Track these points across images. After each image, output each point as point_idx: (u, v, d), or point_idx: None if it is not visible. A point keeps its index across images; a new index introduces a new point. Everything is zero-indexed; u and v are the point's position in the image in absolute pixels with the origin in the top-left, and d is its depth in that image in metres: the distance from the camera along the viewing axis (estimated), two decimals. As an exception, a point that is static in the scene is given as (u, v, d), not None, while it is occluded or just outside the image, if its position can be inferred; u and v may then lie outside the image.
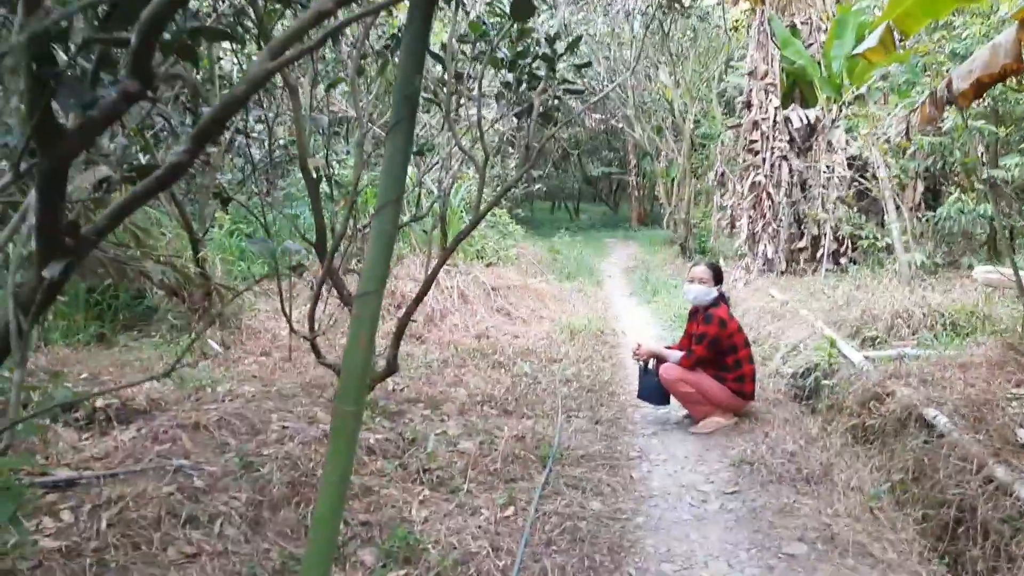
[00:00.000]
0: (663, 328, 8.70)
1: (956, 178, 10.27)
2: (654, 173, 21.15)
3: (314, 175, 4.77)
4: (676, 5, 15.58)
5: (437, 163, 6.48)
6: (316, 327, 5.46)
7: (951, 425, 4.34)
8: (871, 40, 5.83)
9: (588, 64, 5.40)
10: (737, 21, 11.89)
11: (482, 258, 10.33)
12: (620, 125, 19.51)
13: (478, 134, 4.79)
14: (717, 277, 5.65)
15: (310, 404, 4.91)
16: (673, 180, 17.90)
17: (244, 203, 5.58)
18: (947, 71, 7.91)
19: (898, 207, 8.53)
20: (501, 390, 5.89)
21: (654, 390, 5.50)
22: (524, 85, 4.97)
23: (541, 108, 4.79)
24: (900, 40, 7.64)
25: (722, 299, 5.62)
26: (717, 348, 5.37)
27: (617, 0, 16.75)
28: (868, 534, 3.30)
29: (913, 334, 6.84)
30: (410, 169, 6.70)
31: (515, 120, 5.19)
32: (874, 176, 9.08)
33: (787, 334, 7.91)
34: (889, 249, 10.27)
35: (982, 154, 9.61)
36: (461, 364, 6.81)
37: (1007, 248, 5.61)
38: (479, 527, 3.50)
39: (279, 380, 5.50)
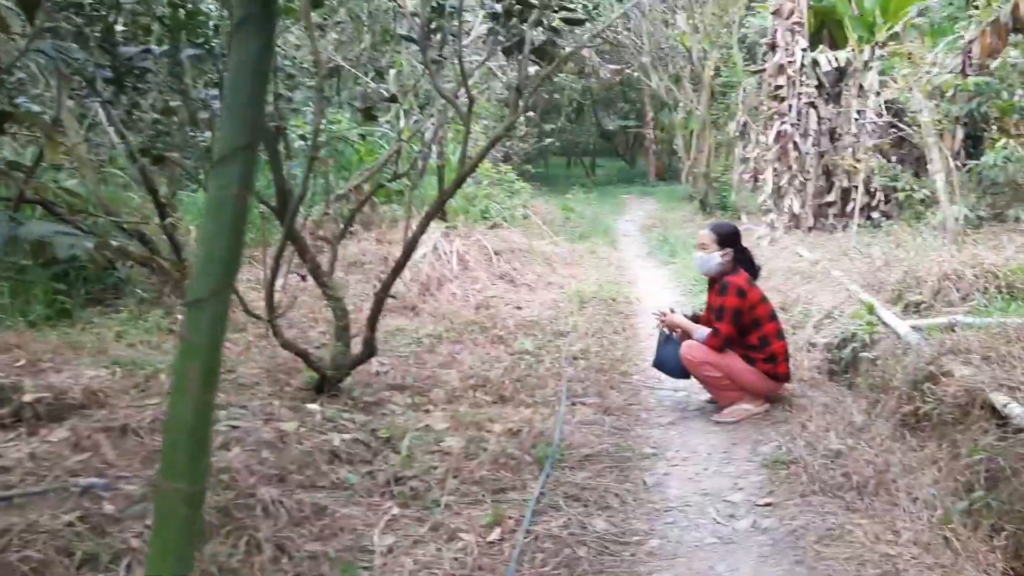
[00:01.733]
0: (682, 293, 7.96)
1: (1001, 123, 9.35)
2: (672, 125, 20.19)
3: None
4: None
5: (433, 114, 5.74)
6: (277, 305, 4.80)
7: (1028, 415, 3.61)
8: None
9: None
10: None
11: (487, 219, 9.60)
12: (636, 74, 18.53)
13: (460, 76, 4.04)
14: (725, 240, 4.79)
15: (270, 396, 4.26)
16: (692, 132, 16.99)
17: (180, 160, 4.86)
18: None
19: (945, 156, 7.68)
20: (498, 371, 5.22)
21: (675, 362, 4.82)
22: (515, 18, 4.21)
23: (534, 42, 4.03)
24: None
25: (743, 264, 4.83)
26: (738, 323, 4.64)
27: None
28: (943, 570, 2.60)
29: (964, 299, 6.07)
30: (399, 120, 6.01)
31: (506, 59, 4.42)
32: (914, 122, 8.21)
33: (819, 298, 7.15)
34: (927, 202, 9.42)
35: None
36: (456, 340, 6.13)
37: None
38: (455, 559, 2.83)
39: (243, 365, 4.84)
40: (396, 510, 3.18)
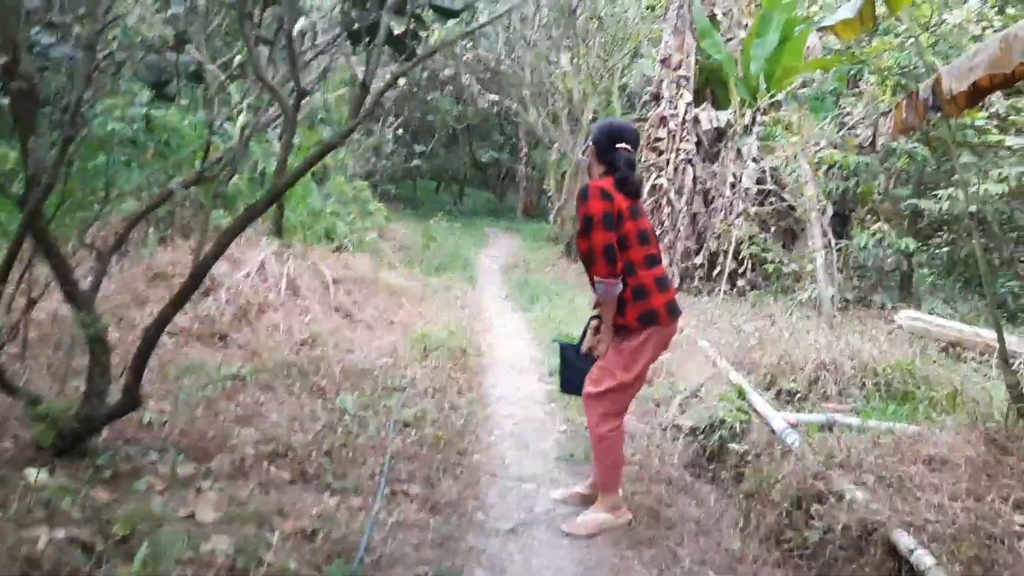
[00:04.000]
0: (537, 347, 7.16)
1: (871, 205, 9.21)
2: (545, 164, 19.71)
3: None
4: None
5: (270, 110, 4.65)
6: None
7: (941, 571, 2.96)
8: (847, 10, 4.45)
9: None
10: (651, 1, 10.56)
11: (331, 239, 8.50)
12: (515, 106, 17.92)
13: (288, 60, 3.05)
14: (597, 137, 3.75)
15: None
16: (564, 174, 16.49)
17: None
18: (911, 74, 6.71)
19: (825, 232, 7.30)
20: (307, 437, 4.17)
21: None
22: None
23: (391, 30, 3.10)
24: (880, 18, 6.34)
25: (618, 169, 3.62)
26: (616, 228, 3.51)
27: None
28: None
29: (840, 393, 5.58)
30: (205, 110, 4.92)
31: (351, 46, 3.45)
32: (798, 193, 7.85)
33: (685, 371, 6.52)
34: (797, 277, 9.13)
35: (893, 182, 8.55)
36: (266, 385, 5.03)
37: (990, 297, 4.34)
38: None
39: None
40: None
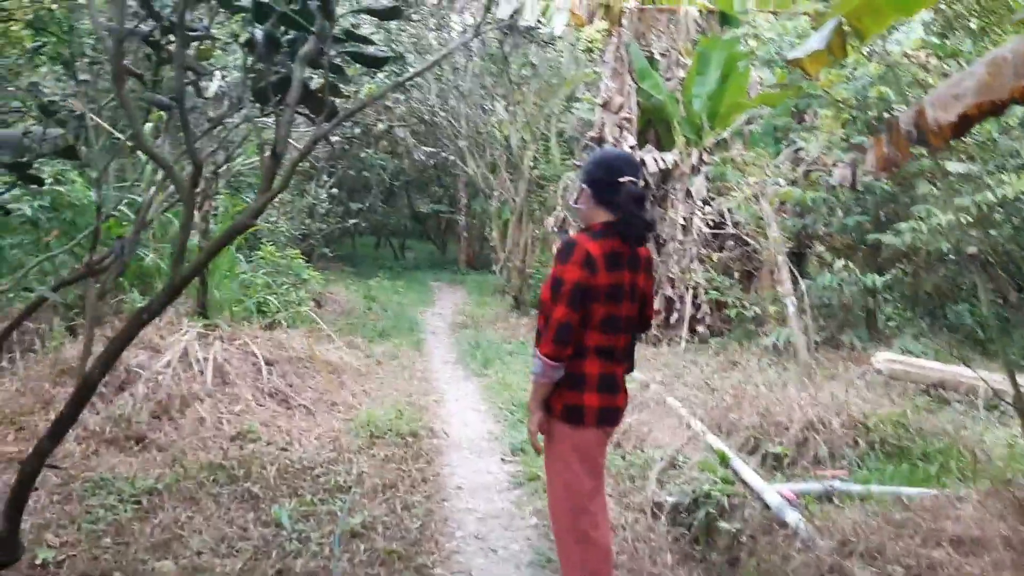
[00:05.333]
0: (496, 420, 6.57)
1: (832, 241, 8.92)
2: (485, 213, 19.27)
3: None
4: (516, 30, 13.85)
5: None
6: None
7: None
8: (816, 41, 4.06)
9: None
10: (592, 42, 10.27)
11: (264, 314, 7.82)
12: (452, 158, 17.48)
13: (183, 127, 2.47)
14: (587, 173, 3.13)
15: None
16: (506, 223, 16.06)
17: None
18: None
19: (795, 275, 6.91)
20: (237, 564, 3.51)
21: None
22: (283, 49, 2.73)
23: (307, 85, 2.56)
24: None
25: (620, 219, 3.01)
26: (582, 306, 2.93)
27: (452, 18, 14.85)
28: None
29: (832, 455, 5.11)
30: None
31: (255, 103, 2.89)
32: (758, 234, 7.47)
33: (657, 435, 6.01)
34: (760, 321, 8.75)
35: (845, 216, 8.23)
36: (188, 498, 4.35)
37: (1000, 343, 3.92)
38: None
39: None
40: None
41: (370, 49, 2.71)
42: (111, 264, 3.06)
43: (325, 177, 15.92)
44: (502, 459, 5.55)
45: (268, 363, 6.34)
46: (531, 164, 14.43)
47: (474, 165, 15.95)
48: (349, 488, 4.60)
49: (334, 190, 16.15)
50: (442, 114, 16.10)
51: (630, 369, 3.25)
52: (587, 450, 3.07)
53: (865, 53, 7.32)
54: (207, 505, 4.29)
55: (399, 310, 12.91)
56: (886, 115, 7.42)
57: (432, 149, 18.63)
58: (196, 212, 6.10)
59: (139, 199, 7.12)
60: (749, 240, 8.14)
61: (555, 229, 12.38)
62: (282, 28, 2.75)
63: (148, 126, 6.45)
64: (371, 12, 2.67)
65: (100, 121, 4.25)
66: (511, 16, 11.85)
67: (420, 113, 16.34)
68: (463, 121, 15.51)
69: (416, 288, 17.01)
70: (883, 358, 6.67)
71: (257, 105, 2.83)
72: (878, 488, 4.43)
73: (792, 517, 4.02)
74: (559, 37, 14.21)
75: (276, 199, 11.59)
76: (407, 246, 27.66)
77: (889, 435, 5.10)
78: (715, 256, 8.59)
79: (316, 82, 2.86)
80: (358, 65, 2.73)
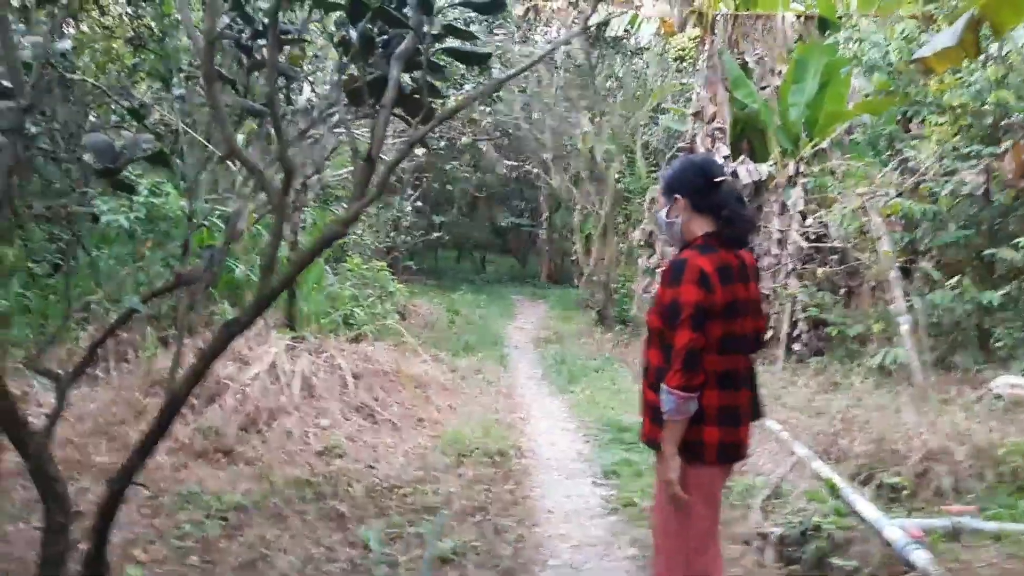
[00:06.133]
0: (586, 439, 6.33)
1: (940, 256, 8.36)
2: (567, 227, 19.09)
3: None
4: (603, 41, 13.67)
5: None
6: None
7: None
8: (947, 38, 3.73)
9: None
10: (684, 51, 9.99)
11: (351, 326, 7.78)
12: (536, 170, 17.36)
13: (275, 136, 2.35)
14: (671, 182, 2.87)
15: None
16: (588, 236, 15.83)
17: None
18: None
19: (907, 293, 6.47)
20: (323, 590, 3.38)
21: None
22: (377, 50, 2.58)
23: (402, 86, 2.41)
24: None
25: (721, 226, 2.76)
26: (703, 326, 2.63)
27: (538, 29, 14.76)
28: None
29: (956, 488, 4.69)
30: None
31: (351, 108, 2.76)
32: (865, 247, 7.04)
33: (757, 459, 5.68)
34: (862, 340, 8.26)
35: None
36: (277, 514, 4.25)
37: None
38: None
39: None
40: None
41: (466, 44, 2.54)
42: (201, 275, 2.96)
43: (410, 190, 15.99)
44: (593, 482, 5.31)
45: (355, 376, 6.27)
46: (616, 177, 14.18)
47: (558, 178, 15.78)
48: (437, 509, 4.43)
49: (419, 203, 16.21)
50: (526, 127, 16.00)
51: (757, 414, 2.94)
52: (708, 489, 2.77)
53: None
54: (294, 523, 4.19)
55: (482, 324, 12.81)
56: (1004, 122, 6.94)
57: (515, 162, 18.58)
58: (286, 223, 6.08)
59: (230, 210, 7.18)
60: (857, 255, 7.68)
61: (642, 243, 12.09)
62: (377, 26, 2.61)
63: (239, 137, 6.49)
64: (471, 5, 2.51)
65: (194, 133, 4.23)
66: (598, 27, 11.68)
67: (504, 126, 16.27)
68: (547, 133, 15.37)
69: (498, 302, 16.92)
70: (1004, 382, 6.16)
71: (352, 109, 2.69)
72: (1012, 526, 4.03)
73: (920, 557, 3.66)
74: (646, 48, 13.99)
75: (362, 211, 11.65)
76: (488, 259, 27.68)
77: (1021, 467, 4.65)
78: (819, 271, 8.14)
79: (408, 83, 2.72)
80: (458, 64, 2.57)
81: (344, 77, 2.79)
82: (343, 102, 2.73)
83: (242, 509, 4.29)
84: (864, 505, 4.54)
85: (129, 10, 8.61)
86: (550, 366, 9.33)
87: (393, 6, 2.53)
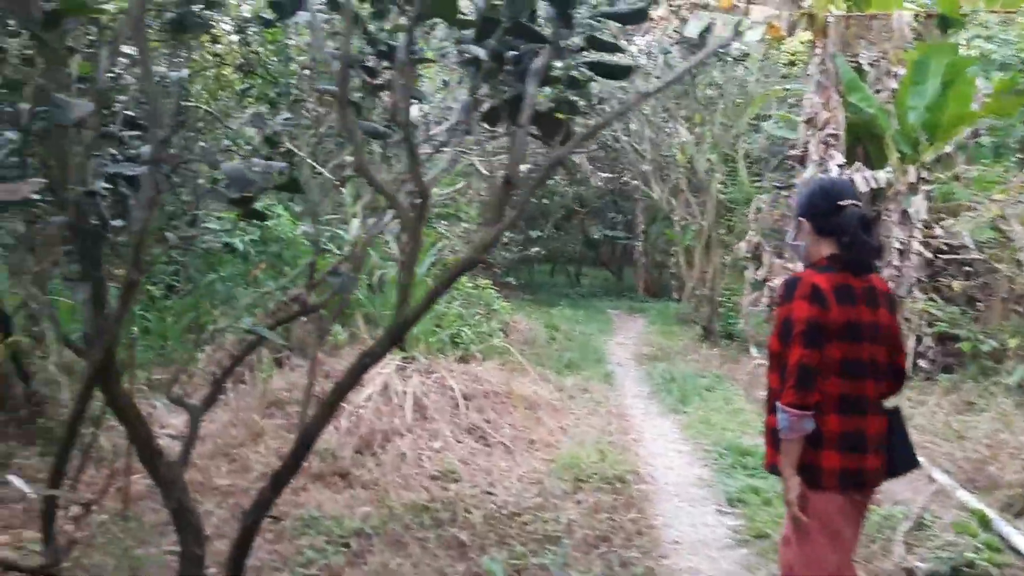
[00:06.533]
0: (704, 462, 6.07)
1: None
2: (666, 238, 18.72)
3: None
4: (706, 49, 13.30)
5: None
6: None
7: None
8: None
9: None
10: (793, 55, 9.59)
11: (458, 345, 7.73)
12: (635, 182, 17.09)
13: (409, 154, 2.26)
14: (803, 205, 2.82)
15: None
16: (687, 248, 15.45)
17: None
18: None
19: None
20: (451, 625, 3.27)
21: None
22: (508, 67, 2.48)
23: (541, 100, 2.29)
24: None
25: (844, 250, 2.67)
26: (818, 343, 2.58)
27: (634, 40, 14.52)
28: None
29: None
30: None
31: (481, 125, 2.66)
32: (1004, 258, 6.56)
33: (893, 487, 5.30)
34: (997, 357, 7.72)
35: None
36: (396, 541, 4.18)
37: None
38: None
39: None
40: None
41: (610, 57, 2.40)
42: (330, 301, 2.91)
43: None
44: (718, 510, 5.05)
45: (465, 397, 6.19)
46: (719, 187, 13.81)
47: (658, 189, 15.49)
48: (559, 539, 4.28)
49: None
50: (624, 138, 15.78)
51: (908, 462, 2.84)
52: (828, 518, 2.66)
53: None
54: (415, 550, 4.10)
55: (582, 340, 12.60)
56: None
57: (611, 174, 18.36)
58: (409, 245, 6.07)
59: (340, 232, 7.24)
60: (996, 265, 7.17)
61: (748, 255, 11.69)
62: (505, 42, 2.50)
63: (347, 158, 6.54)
64: (614, 16, 2.37)
65: (306, 156, 4.24)
66: (701, 34, 11.38)
67: (603, 138, 16.09)
68: (647, 145, 15.10)
69: (596, 317, 16.67)
70: None
71: (483, 130, 2.59)
72: None
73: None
74: (748, 54, 13.58)
75: (462, 229, 11.65)
76: (581, 273, 27.45)
77: None
78: (955, 284, 7.65)
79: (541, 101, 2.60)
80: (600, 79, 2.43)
81: (471, 97, 2.70)
82: (473, 122, 2.63)
83: (363, 535, 4.24)
84: (1021, 539, 4.18)
85: (238, 37, 8.86)
86: (658, 384, 9.06)
87: (526, 21, 2.42)
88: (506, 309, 10.03)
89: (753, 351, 10.95)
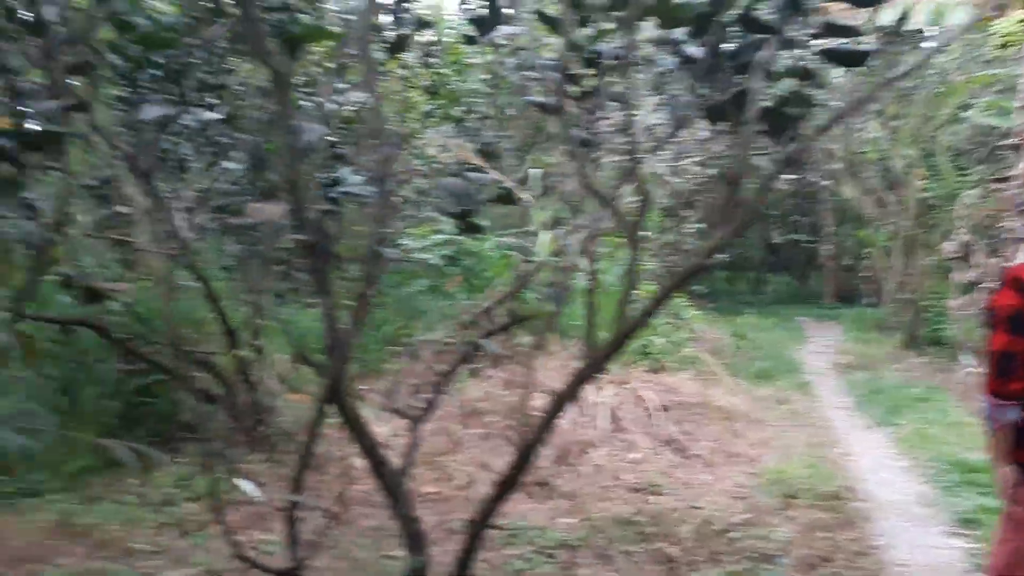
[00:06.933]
0: (925, 482, 5.60)
1: None
2: (860, 241, 17.61)
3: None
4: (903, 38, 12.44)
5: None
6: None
7: None
8: None
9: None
10: (1007, 36, 8.78)
11: (648, 356, 7.59)
12: (827, 182, 16.23)
13: (629, 158, 2.22)
14: None
15: None
16: (886, 250, 14.45)
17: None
18: None
19: None
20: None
21: None
22: (728, 63, 2.38)
23: (766, 97, 2.18)
24: None
25: None
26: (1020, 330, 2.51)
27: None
28: None
29: None
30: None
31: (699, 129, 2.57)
32: None
33: None
34: None
35: None
36: (601, 554, 4.13)
37: None
38: None
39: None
40: None
41: (841, 42, 2.24)
42: (539, 314, 2.91)
43: (690, 210, 15.59)
44: (947, 532, 4.64)
45: (660, 408, 6.06)
46: (921, 184, 12.84)
47: (852, 190, 14.63)
48: (773, 557, 4.07)
49: (699, 224, 15.74)
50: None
51: None
52: None
53: None
54: (621, 564, 4.04)
55: (772, 349, 12.07)
56: None
57: (795, 175, 17.50)
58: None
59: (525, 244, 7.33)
60: None
61: (955, 256, 10.80)
62: (725, 37, 2.40)
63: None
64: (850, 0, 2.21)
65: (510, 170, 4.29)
66: (897, 22, 10.65)
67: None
68: (839, 143, 14.30)
69: (783, 325, 15.95)
70: None
71: (708, 128, 2.51)
72: None
73: None
74: (950, 41, 12.55)
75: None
76: (764, 279, 26.40)
77: None
78: None
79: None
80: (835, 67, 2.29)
81: (686, 98, 2.61)
82: (690, 122, 2.55)
83: (568, 547, 4.22)
84: None
85: (421, 59, 9.18)
86: (862, 395, 8.50)
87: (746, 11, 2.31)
88: (698, 318, 9.76)
89: (964, 359, 10.07)
